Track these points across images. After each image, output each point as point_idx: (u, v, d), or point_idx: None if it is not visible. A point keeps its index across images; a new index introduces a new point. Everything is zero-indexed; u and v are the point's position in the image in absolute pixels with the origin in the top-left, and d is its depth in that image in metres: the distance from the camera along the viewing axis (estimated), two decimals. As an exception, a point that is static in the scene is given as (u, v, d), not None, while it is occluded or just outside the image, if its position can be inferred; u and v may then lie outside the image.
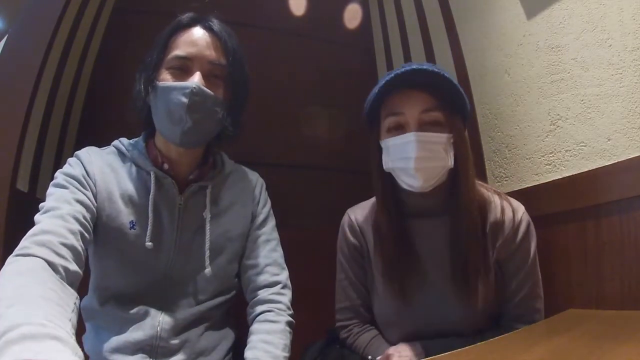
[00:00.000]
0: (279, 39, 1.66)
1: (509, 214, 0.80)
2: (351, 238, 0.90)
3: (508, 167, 1.16)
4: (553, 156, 1.02)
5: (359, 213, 0.91)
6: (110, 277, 0.76)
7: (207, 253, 0.78)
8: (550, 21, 1.02)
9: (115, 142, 0.83)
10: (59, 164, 1.16)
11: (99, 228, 0.74)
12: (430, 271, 0.81)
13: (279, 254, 0.87)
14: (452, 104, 0.79)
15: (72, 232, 0.63)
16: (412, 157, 0.73)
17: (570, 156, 0.98)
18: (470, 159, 0.81)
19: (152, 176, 0.77)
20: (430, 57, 1.47)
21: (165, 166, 0.79)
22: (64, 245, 0.60)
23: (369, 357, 0.81)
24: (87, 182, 0.73)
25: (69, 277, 0.58)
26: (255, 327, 0.78)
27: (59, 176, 0.73)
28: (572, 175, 0.96)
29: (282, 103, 1.59)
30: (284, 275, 0.85)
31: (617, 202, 0.85)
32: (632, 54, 0.84)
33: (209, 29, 0.79)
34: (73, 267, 0.60)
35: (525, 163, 1.10)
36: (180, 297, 0.79)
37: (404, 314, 0.81)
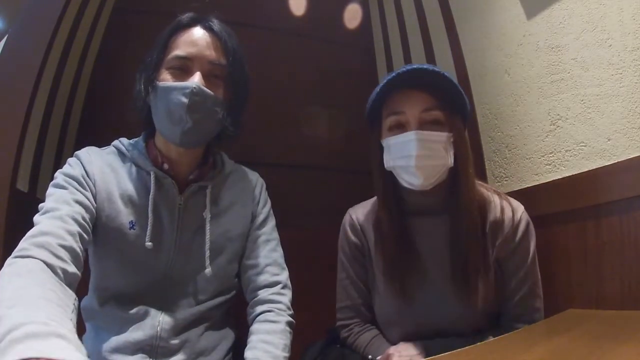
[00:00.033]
0: (279, 39, 1.66)
1: (508, 213, 0.81)
2: (352, 237, 0.90)
3: (508, 167, 1.16)
4: (553, 156, 1.02)
5: (360, 212, 0.92)
6: (110, 277, 0.76)
7: (207, 253, 0.78)
8: (550, 21, 1.02)
9: (115, 142, 0.83)
10: (59, 164, 1.16)
11: (98, 228, 0.74)
12: (431, 270, 0.82)
13: (279, 254, 0.87)
14: (452, 104, 0.80)
15: (71, 234, 0.63)
16: (412, 155, 0.74)
17: (570, 156, 0.98)
18: (470, 158, 0.81)
19: (152, 176, 0.77)
20: (430, 57, 1.47)
21: (165, 166, 0.79)
22: (62, 247, 0.60)
23: (370, 356, 0.81)
24: (86, 183, 0.73)
25: (67, 279, 0.58)
26: (255, 327, 0.78)
27: (58, 176, 0.73)
28: (572, 175, 0.96)
29: (282, 103, 1.59)
30: (284, 275, 0.85)
31: (617, 202, 0.85)
32: (632, 54, 0.84)
33: (209, 29, 0.79)
34: (71, 269, 0.60)
35: (525, 163, 1.10)
36: (180, 297, 0.79)
37: (405, 312, 0.81)
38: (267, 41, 1.59)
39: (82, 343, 0.77)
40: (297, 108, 1.60)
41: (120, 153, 0.81)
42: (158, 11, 1.31)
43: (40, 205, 0.68)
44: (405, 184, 0.80)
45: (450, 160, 0.77)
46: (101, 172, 0.76)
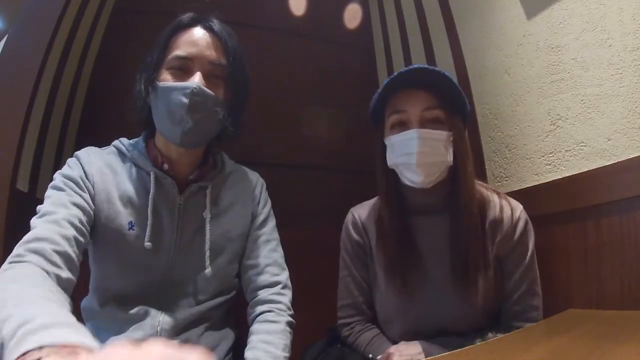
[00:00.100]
0: (279, 39, 1.66)
1: (507, 212, 0.82)
2: (354, 235, 0.91)
3: (508, 167, 1.16)
4: (553, 156, 1.02)
5: (362, 211, 0.93)
6: (110, 278, 0.76)
7: (207, 253, 0.78)
8: (550, 21, 1.02)
9: (116, 142, 0.83)
10: (59, 164, 1.16)
11: (98, 229, 0.74)
12: (431, 268, 0.82)
13: (279, 254, 0.87)
14: (452, 104, 0.81)
15: (66, 238, 0.63)
16: (414, 152, 0.76)
17: (570, 156, 0.98)
18: (469, 157, 0.83)
19: (152, 176, 0.77)
20: (430, 57, 1.47)
21: (165, 166, 0.79)
22: (57, 252, 0.61)
23: (370, 355, 0.81)
24: (84, 184, 0.73)
25: (61, 285, 0.59)
26: (255, 327, 0.78)
27: (57, 177, 0.73)
28: (572, 175, 0.96)
29: (282, 103, 1.59)
30: (284, 276, 0.85)
31: (617, 202, 0.85)
32: (632, 54, 0.84)
33: (209, 29, 0.79)
34: (65, 274, 0.61)
35: (525, 163, 1.10)
36: (180, 297, 0.79)
37: (405, 310, 0.82)
38: (267, 41, 1.59)
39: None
40: (297, 108, 1.60)
41: (120, 153, 0.81)
42: (158, 11, 1.31)
43: (38, 207, 0.68)
44: (406, 182, 0.81)
45: (450, 158, 0.79)
46: (100, 172, 0.76)
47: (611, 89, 0.88)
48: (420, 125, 0.77)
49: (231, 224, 0.84)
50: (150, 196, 0.76)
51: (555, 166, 1.01)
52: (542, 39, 1.04)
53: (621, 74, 0.86)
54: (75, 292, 0.64)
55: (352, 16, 1.83)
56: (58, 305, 0.49)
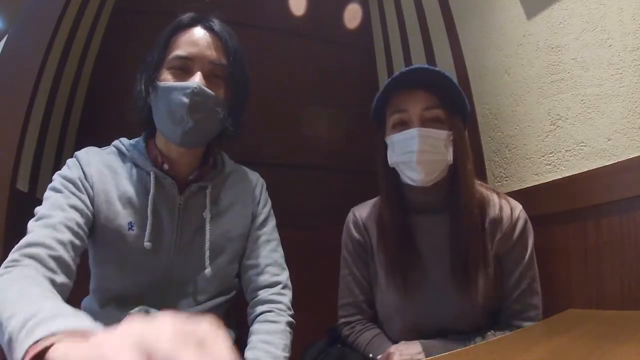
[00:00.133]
0: (279, 39, 1.66)
1: (507, 211, 0.83)
2: (355, 234, 0.91)
3: (508, 167, 1.16)
4: (553, 156, 1.02)
5: (363, 211, 0.94)
6: (111, 278, 0.76)
7: (207, 253, 0.78)
8: (550, 21, 1.02)
9: (116, 142, 0.83)
10: (59, 164, 1.16)
11: (97, 230, 0.74)
12: (431, 267, 0.83)
13: (279, 254, 0.87)
14: (452, 104, 0.82)
15: (61, 243, 0.63)
16: (414, 150, 0.77)
17: (570, 156, 0.98)
18: (469, 156, 0.84)
19: (152, 176, 0.77)
20: (430, 57, 1.47)
21: (165, 166, 0.79)
22: (52, 257, 0.61)
23: (370, 355, 0.82)
24: (83, 185, 0.73)
25: (57, 289, 0.59)
26: (255, 327, 0.78)
27: (56, 179, 0.73)
28: (572, 175, 0.96)
29: (282, 103, 1.59)
30: (284, 276, 0.85)
31: (617, 202, 0.85)
32: (632, 54, 0.84)
33: (209, 29, 0.79)
34: (61, 279, 0.61)
35: (525, 163, 1.10)
36: (180, 297, 0.79)
37: (406, 308, 0.82)
38: (267, 41, 1.59)
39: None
40: (297, 108, 1.60)
41: (120, 153, 0.81)
42: (158, 11, 1.31)
43: (36, 209, 0.68)
44: (407, 180, 0.82)
45: (450, 157, 0.80)
46: (99, 173, 0.76)
47: (611, 89, 0.88)
48: (420, 124, 0.79)
49: (231, 224, 0.84)
50: (150, 196, 0.76)
51: (555, 166, 1.01)
52: (542, 39, 1.04)
53: (621, 74, 0.86)
54: (76, 293, 0.64)
55: (352, 16, 1.83)
56: (60, 301, 0.50)
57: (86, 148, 0.81)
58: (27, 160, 1.00)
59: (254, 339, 0.76)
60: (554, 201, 0.99)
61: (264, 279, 0.83)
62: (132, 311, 0.74)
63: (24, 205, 0.87)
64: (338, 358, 0.86)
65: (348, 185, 1.55)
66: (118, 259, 0.75)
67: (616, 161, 0.87)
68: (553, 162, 1.02)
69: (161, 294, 0.77)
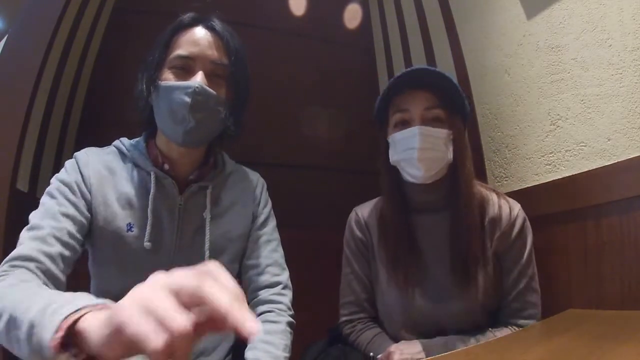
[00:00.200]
0: (279, 39, 1.66)
1: (506, 209, 0.84)
2: (357, 232, 0.92)
3: (508, 167, 1.16)
4: (553, 156, 1.02)
5: (365, 210, 0.95)
6: (111, 280, 0.76)
7: (207, 253, 0.78)
8: (550, 21, 1.02)
9: (116, 142, 0.83)
10: (59, 164, 1.16)
11: (95, 232, 0.74)
12: (432, 265, 0.84)
13: (279, 255, 0.87)
14: (452, 104, 0.83)
15: (50, 257, 0.64)
16: (415, 148, 0.79)
17: (570, 156, 0.98)
18: (468, 156, 0.85)
19: (152, 176, 0.77)
20: (430, 57, 1.47)
21: (166, 166, 0.79)
22: (41, 270, 0.62)
23: (371, 354, 0.82)
24: (80, 189, 0.73)
25: None
26: (256, 327, 0.78)
27: (53, 182, 0.73)
28: (572, 175, 0.96)
29: (282, 103, 1.59)
30: (284, 276, 0.85)
31: (617, 202, 0.85)
32: (632, 54, 0.84)
33: (211, 28, 0.79)
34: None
35: (525, 163, 1.10)
36: (180, 297, 0.79)
37: (406, 306, 0.83)
38: (267, 41, 1.60)
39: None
40: (297, 108, 1.61)
41: (121, 153, 0.81)
42: (158, 11, 1.31)
43: (31, 215, 0.69)
44: (408, 177, 0.84)
45: (450, 155, 0.82)
46: (98, 174, 0.76)
47: (611, 89, 0.88)
48: (421, 123, 0.81)
49: (231, 224, 0.84)
50: (151, 196, 0.75)
51: (555, 166, 1.01)
52: (542, 39, 1.04)
53: (621, 74, 0.86)
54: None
55: (352, 16, 1.84)
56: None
57: (86, 149, 0.81)
58: (27, 160, 1.00)
59: (254, 339, 0.76)
60: (554, 201, 0.99)
61: (265, 279, 0.83)
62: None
63: (24, 205, 0.87)
64: (338, 358, 0.86)
65: (348, 185, 1.55)
66: (117, 260, 0.75)
67: (616, 161, 0.87)
68: (553, 162, 1.02)
69: (161, 294, 0.77)
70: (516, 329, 0.80)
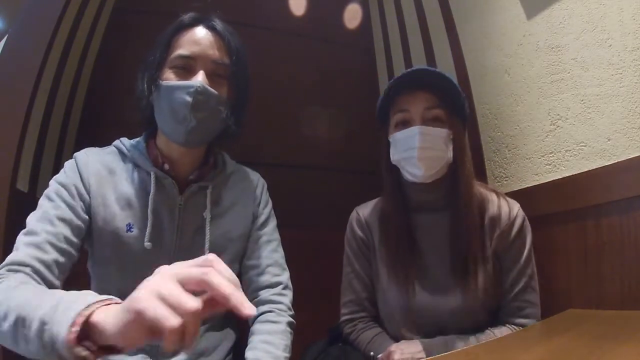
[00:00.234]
0: (279, 39, 1.66)
1: (505, 209, 0.85)
2: (358, 232, 0.93)
3: (508, 167, 1.16)
4: (553, 156, 1.02)
5: (366, 209, 0.96)
6: (111, 280, 0.76)
7: (207, 253, 0.78)
8: (550, 21, 1.02)
9: (116, 142, 0.83)
10: (59, 164, 1.16)
11: (95, 233, 0.74)
12: (432, 264, 0.84)
13: (280, 255, 0.87)
14: (452, 104, 0.84)
15: (45, 264, 0.64)
16: (415, 147, 0.80)
17: (570, 156, 0.98)
18: (468, 155, 0.86)
19: (152, 176, 0.77)
20: (430, 57, 1.47)
21: (166, 166, 0.79)
22: (36, 275, 0.63)
23: (371, 353, 0.82)
24: (78, 191, 0.73)
25: None
26: (256, 327, 0.78)
27: (52, 184, 0.73)
28: (572, 175, 0.96)
29: (282, 103, 1.59)
30: (285, 276, 0.85)
31: (617, 202, 0.85)
32: (632, 54, 0.84)
33: (211, 28, 0.79)
34: None
35: (525, 163, 1.10)
36: (180, 297, 0.79)
37: (407, 304, 0.83)
38: (267, 41, 1.60)
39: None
40: (297, 108, 1.61)
41: (121, 153, 0.81)
42: (158, 11, 1.31)
43: (28, 218, 0.68)
44: (408, 176, 0.85)
45: (449, 155, 0.83)
46: (97, 175, 0.76)
47: (611, 89, 0.88)
48: (421, 123, 0.82)
49: (232, 224, 0.84)
50: (151, 196, 0.75)
51: (555, 166, 1.01)
52: (542, 39, 1.04)
53: (621, 74, 0.86)
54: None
55: (352, 16, 1.84)
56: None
57: (86, 149, 0.81)
58: (27, 160, 1.00)
59: (254, 339, 0.76)
60: (554, 201, 0.99)
61: (265, 279, 0.83)
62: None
63: (24, 205, 0.87)
64: (338, 357, 0.86)
65: (348, 185, 1.55)
66: (117, 260, 0.75)
67: (616, 161, 0.87)
68: (553, 162, 1.02)
69: (162, 294, 0.77)
70: (515, 328, 0.80)
